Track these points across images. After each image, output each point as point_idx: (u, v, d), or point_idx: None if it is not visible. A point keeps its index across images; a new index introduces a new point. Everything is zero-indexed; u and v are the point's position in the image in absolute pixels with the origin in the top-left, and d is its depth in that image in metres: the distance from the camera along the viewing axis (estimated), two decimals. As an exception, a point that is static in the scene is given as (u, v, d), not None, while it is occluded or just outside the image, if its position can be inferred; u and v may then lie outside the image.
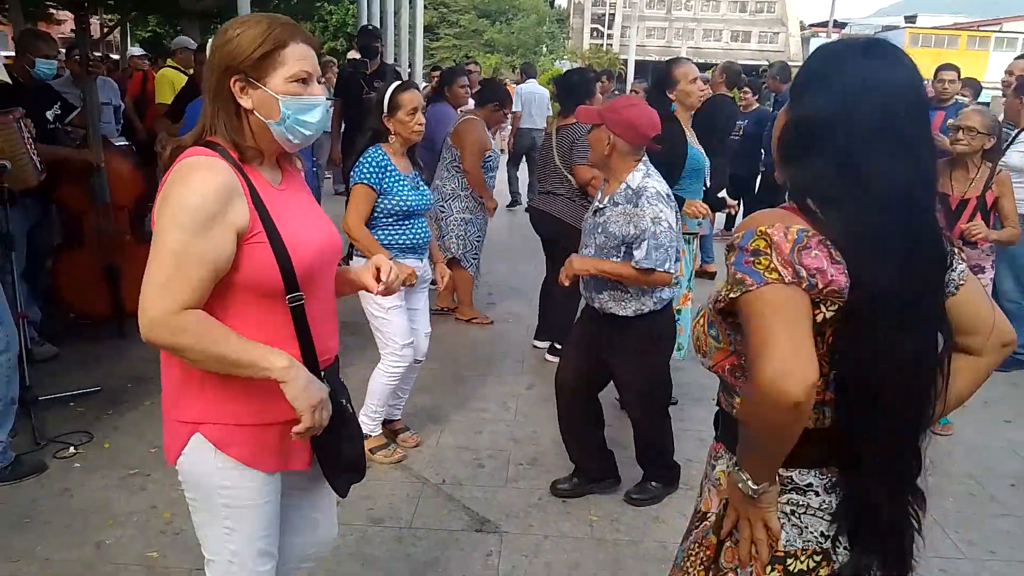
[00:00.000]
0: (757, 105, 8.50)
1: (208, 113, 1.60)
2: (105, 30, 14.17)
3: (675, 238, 2.95)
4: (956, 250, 1.42)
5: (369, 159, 3.35)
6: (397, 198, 3.36)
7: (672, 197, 3.03)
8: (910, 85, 1.33)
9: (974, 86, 6.53)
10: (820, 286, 1.26)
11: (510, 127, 9.94)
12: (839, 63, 1.35)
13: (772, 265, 1.26)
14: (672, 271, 2.96)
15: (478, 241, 5.51)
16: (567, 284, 3.08)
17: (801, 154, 1.36)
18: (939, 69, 6.18)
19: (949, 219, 3.85)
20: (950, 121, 3.99)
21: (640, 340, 3.15)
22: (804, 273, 1.26)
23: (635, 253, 2.93)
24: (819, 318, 1.28)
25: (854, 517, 1.37)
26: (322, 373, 1.69)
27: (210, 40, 1.63)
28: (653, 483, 3.37)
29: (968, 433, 4.06)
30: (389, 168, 3.35)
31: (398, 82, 3.45)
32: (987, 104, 7.11)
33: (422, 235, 3.50)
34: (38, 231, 4.58)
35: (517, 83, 11.34)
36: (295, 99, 1.59)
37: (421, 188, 3.49)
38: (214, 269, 1.52)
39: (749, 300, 1.28)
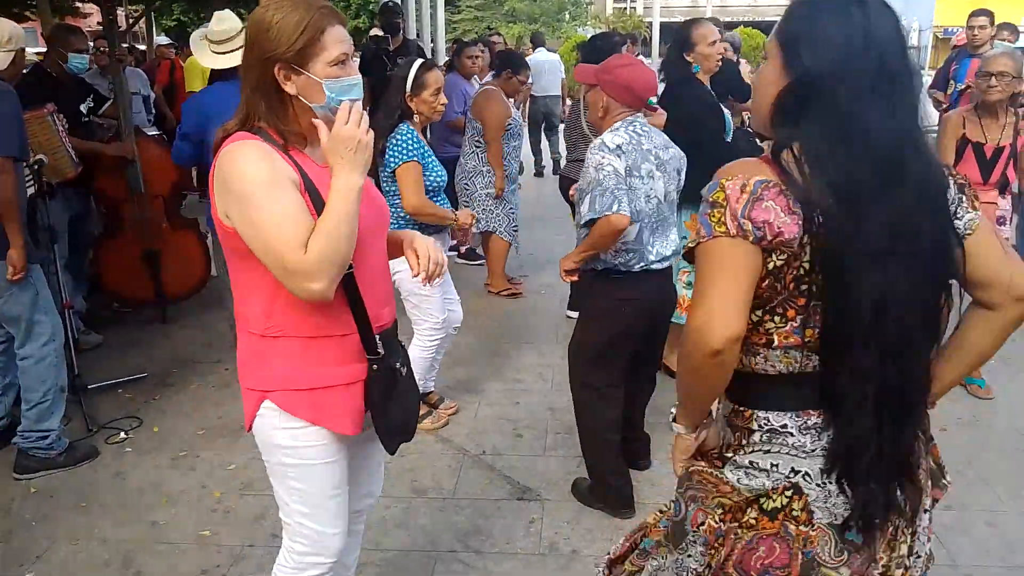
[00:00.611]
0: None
1: (250, 100, 1.65)
2: (131, 20, 14.28)
3: (625, 183, 2.74)
4: (966, 199, 1.40)
5: (408, 136, 3.36)
6: (433, 174, 3.40)
7: (635, 153, 2.79)
8: (899, 32, 1.34)
9: (1013, 30, 6.30)
10: (769, 237, 1.29)
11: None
12: (837, 15, 1.33)
13: (722, 219, 1.31)
14: (625, 212, 2.70)
15: (512, 213, 5.51)
16: (571, 279, 3.05)
17: (800, 115, 1.34)
18: (971, 15, 5.99)
19: (985, 168, 3.74)
20: (980, 67, 3.83)
21: (584, 306, 3.13)
22: (750, 226, 1.29)
23: (581, 210, 2.81)
24: (770, 265, 1.32)
25: (843, 453, 1.38)
26: (377, 338, 1.76)
27: (247, 31, 1.65)
28: (589, 482, 3.16)
29: (1012, 389, 3.99)
30: (422, 145, 3.37)
31: (420, 60, 3.44)
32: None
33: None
34: (80, 222, 4.68)
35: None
36: (336, 82, 1.63)
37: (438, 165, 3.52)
38: (303, 210, 1.59)
39: (700, 251, 1.36)
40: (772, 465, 1.42)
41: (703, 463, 1.52)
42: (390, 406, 1.80)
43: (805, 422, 1.41)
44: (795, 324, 1.35)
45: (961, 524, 2.93)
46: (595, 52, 4.56)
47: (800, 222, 1.29)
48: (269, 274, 1.62)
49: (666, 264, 2.96)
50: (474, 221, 3.54)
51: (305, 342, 1.70)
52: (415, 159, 3.31)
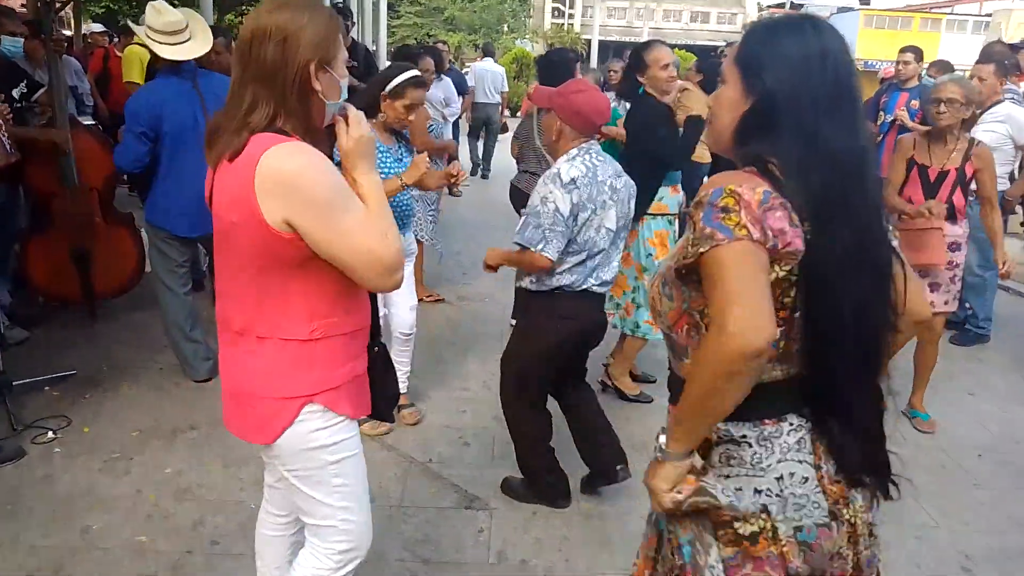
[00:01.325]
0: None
1: (277, 97, 1.62)
2: (58, 5, 13.73)
3: (563, 224, 2.78)
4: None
5: None
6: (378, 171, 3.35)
7: (591, 186, 2.84)
8: (847, 52, 1.42)
9: (945, 67, 6.66)
10: (780, 247, 1.32)
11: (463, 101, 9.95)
12: (794, 36, 1.40)
13: (742, 222, 1.31)
14: (549, 255, 2.79)
15: (431, 216, 5.46)
16: (490, 272, 3.12)
17: (765, 132, 1.39)
18: (900, 51, 6.37)
19: (928, 191, 3.88)
20: (930, 94, 3.96)
21: (520, 322, 3.17)
22: (770, 233, 1.31)
23: (517, 226, 2.89)
24: (772, 276, 1.34)
25: (836, 455, 1.45)
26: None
27: (267, 24, 1.60)
28: (525, 481, 3.23)
29: (935, 406, 4.18)
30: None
31: (415, 74, 3.39)
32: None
33: (404, 209, 3.51)
34: (5, 215, 4.46)
35: (473, 61, 12.19)
36: (344, 80, 1.71)
37: (405, 161, 3.48)
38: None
39: (719, 254, 1.32)
40: (736, 490, 1.45)
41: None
42: (388, 379, 2.03)
43: (762, 432, 1.44)
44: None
45: (893, 538, 3.05)
46: (550, 67, 4.61)
47: (801, 234, 1.34)
48: (317, 279, 1.66)
49: (605, 289, 3.03)
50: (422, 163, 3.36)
51: (345, 339, 1.76)
52: None
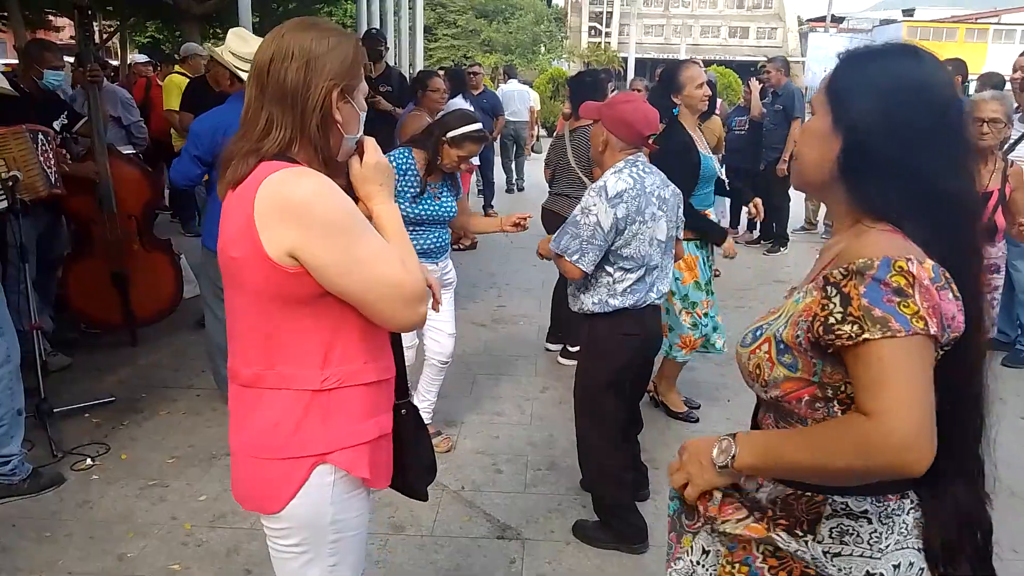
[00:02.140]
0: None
1: (295, 122, 1.50)
2: (104, 36, 14.14)
3: (602, 239, 2.76)
4: None
5: (404, 160, 3.37)
6: (419, 208, 3.40)
7: (639, 199, 2.81)
8: (949, 84, 1.30)
9: (995, 80, 6.47)
10: (950, 335, 1.20)
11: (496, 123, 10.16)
12: (890, 65, 1.29)
13: (920, 312, 1.15)
14: (583, 267, 2.78)
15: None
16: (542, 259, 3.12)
17: (864, 171, 1.28)
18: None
19: None
20: (974, 112, 3.84)
21: (585, 345, 3.10)
22: (944, 322, 1.18)
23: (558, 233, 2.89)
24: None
25: (955, 532, 1.33)
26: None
27: (290, 45, 1.50)
28: (607, 531, 3.07)
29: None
30: (411, 172, 3.35)
31: (477, 127, 3.43)
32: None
33: (434, 241, 3.51)
34: (48, 240, 4.57)
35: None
36: (363, 113, 1.61)
37: (443, 198, 3.49)
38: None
39: (891, 347, 1.15)
40: (840, 570, 1.31)
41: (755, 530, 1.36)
42: (423, 444, 1.75)
43: (885, 508, 1.30)
44: None
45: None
46: (582, 87, 4.63)
47: (962, 307, 1.22)
48: (330, 320, 1.50)
49: (663, 299, 3.02)
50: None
51: (363, 390, 1.56)
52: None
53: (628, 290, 2.87)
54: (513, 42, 31.72)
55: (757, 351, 1.35)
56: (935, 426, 1.15)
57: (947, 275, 1.21)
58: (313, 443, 1.52)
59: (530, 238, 7.77)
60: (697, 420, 4.20)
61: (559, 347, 5.02)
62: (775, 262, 7.97)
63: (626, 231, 2.80)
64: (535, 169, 11.15)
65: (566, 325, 4.95)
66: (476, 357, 5.02)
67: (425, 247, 3.46)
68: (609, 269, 2.87)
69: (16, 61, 6.22)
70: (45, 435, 3.60)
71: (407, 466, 1.69)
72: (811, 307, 1.25)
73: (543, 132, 18.59)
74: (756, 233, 8.71)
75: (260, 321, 1.51)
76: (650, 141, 2.95)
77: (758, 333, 1.37)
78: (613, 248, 2.83)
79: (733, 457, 1.32)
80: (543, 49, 32.41)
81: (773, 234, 8.34)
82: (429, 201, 3.43)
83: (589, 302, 2.94)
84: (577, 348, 4.85)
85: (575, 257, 2.79)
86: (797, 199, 8.76)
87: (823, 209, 9.18)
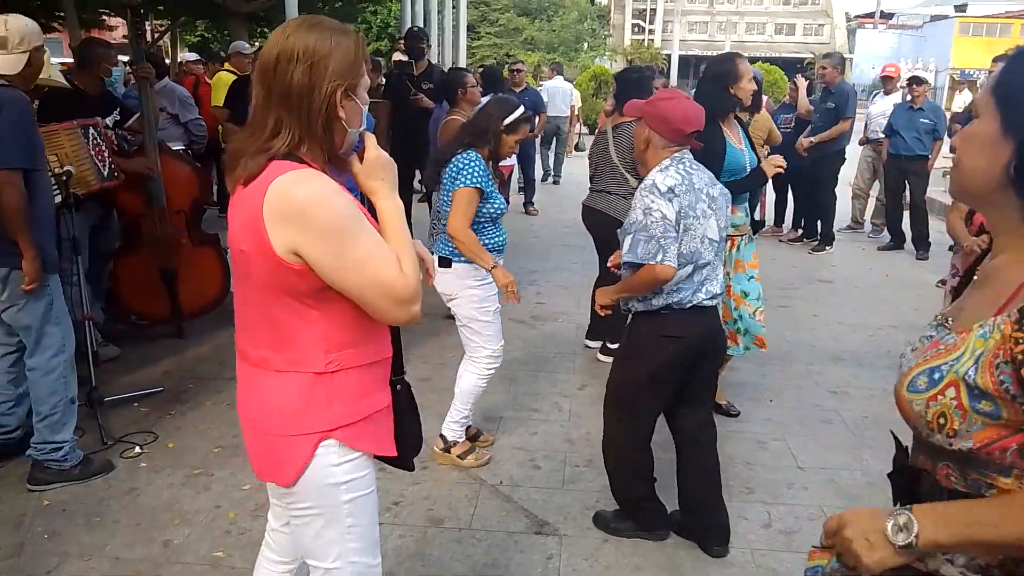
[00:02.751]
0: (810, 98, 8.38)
1: (302, 123, 1.55)
2: (155, 35, 14.46)
3: (674, 230, 2.71)
4: None
5: (477, 163, 3.37)
6: (496, 202, 3.43)
7: (688, 194, 2.75)
8: None
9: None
10: None
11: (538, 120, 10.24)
12: None
13: None
14: (670, 263, 2.69)
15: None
16: (606, 313, 3.04)
17: None
18: (993, 60, 6.05)
19: None
20: None
21: (624, 343, 3.05)
22: None
23: (622, 249, 2.81)
24: None
25: None
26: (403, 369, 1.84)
27: (294, 46, 1.54)
28: (627, 520, 3.09)
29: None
30: (486, 172, 3.42)
31: (524, 110, 3.50)
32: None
33: (504, 237, 3.60)
34: (99, 234, 4.69)
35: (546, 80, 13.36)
36: (365, 106, 1.65)
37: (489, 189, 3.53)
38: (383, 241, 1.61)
39: None
40: None
41: None
42: (412, 420, 1.84)
43: None
44: None
45: None
46: (627, 84, 4.64)
47: None
48: (332, 309, 1.59)
49: (715, 301, 2.91)
50: (510, 285, 3.35)
51: (362, 371, 1.67)
52: (479, 186, 3.32)
53: (675, 288, 2.79)
54: (556, 40, 31.66)
55: (939, 398, 1.19)
56: None
57: None
58: (318, 421, 1.64)
59: (570, 236, 7.79)
60: (738, 413, 4.17)
61: (598, 344, 5.00)
62: (820, 261, 7.85)
63: (679, 227, 2.74)
64: (575, 166, 11.15)
65: (606, 322, 4.94)
66: (515, 354, 5.03)
67: (501, 243, 3.53)
68: None
69: (71, 60, 6.39)
70: (95, 423, 3.71)
71: (397, 438, 1.79)
72: (1009, 347, 1.11)
73: (585, 130, 18.57)
74: (800, 231, 8.58)
75: (268, 310, 1.61)
76: (693, 138, 2.88)
77: (936, 377, 1.20)
78: None
79: (916, 535, 1.15)
80: (586, 47, 32.28)
81: (818, 233, 8.20)
82: (497, 195, 3.46)
83: (634, 300, 2.89)
84: (617, 345, 4.85)
85: (659, 257, 2.69)
86: (844, 197, 8.61)
87: (871, 208, 9.02)
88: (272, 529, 2.03)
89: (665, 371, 2.89)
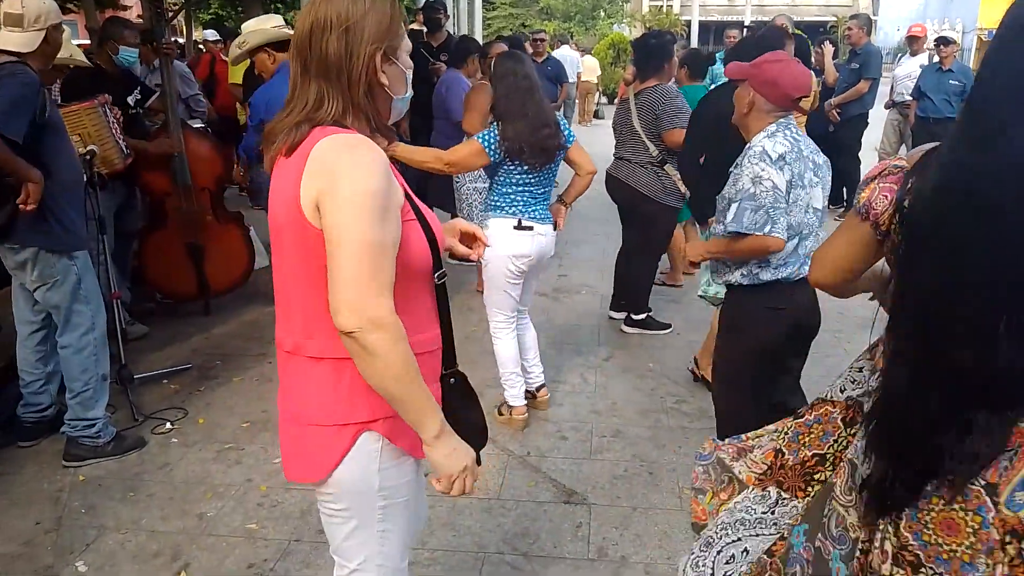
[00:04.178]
0: (834, 61, 8.24)
1: (343, 93, 1.49)
2: (170, 14, 14.43)
3: (784, 200, 2.59)
4: None
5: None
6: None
7: (798, 162, 2.65)
8: None
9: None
10: None
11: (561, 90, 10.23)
12: None
13: None
14: (780, 235, 2.59)
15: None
16: (694, 270, 3.02)
17: None
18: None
19: None
20: None
21: (727, 316, 2.96)
22: None
23: (727, 216, 2.70)
24: None
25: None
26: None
27: (326, 14, 1.47)
28: None
29: None
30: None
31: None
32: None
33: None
34: (124, 213, 4.72)
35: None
36: (409, 71, 1.59)
37: None
38: (395, 253, 1.45)
39: None
40: None
41: None
42: (469, 415, 1.67)
43: None
44: None
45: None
46: (647, 50, 4.59)
47: None
48: None
49: None
50: None
51: None
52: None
53: (782, 262, 2.70)
54: (572, 8, 31.26)
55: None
56: None
57: None
58: (356, 411, 1.54)
59: (592, 208, 7.73)
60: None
61: (622, 315, 4.98)
62: (845, 228, 7.75)
63: (788, 196, 2.64)
64: (596, 136, 11.05)
65: (630, 293, 4.92)
66: (539, 327, 4.99)
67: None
68: None
69: (87, 41, 6.39)
70: (126, 400, 3.76)
71: (456, 431, 1.61)
72: None
73: (603, 100, 18.38)
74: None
75: (305, 291, 1.51)
76: (799, 104, 2.75)
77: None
78: None
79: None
80: (603, 15, 31.83)
81: (843, 199, 8.09)
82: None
83: (738, 274, 2.78)
84: (642, 316, 4.84)
85: (767, 228, 2.58)
86: (868, 162, 8.47)
87: (896, 173, 8.88)
88: None
89: (775, 344, 2.82)
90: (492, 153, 3.36)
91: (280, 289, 1.59)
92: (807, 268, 2.71)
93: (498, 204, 3.50)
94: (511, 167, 3.42)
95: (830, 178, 2.83)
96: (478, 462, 1.65)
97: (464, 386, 1.68)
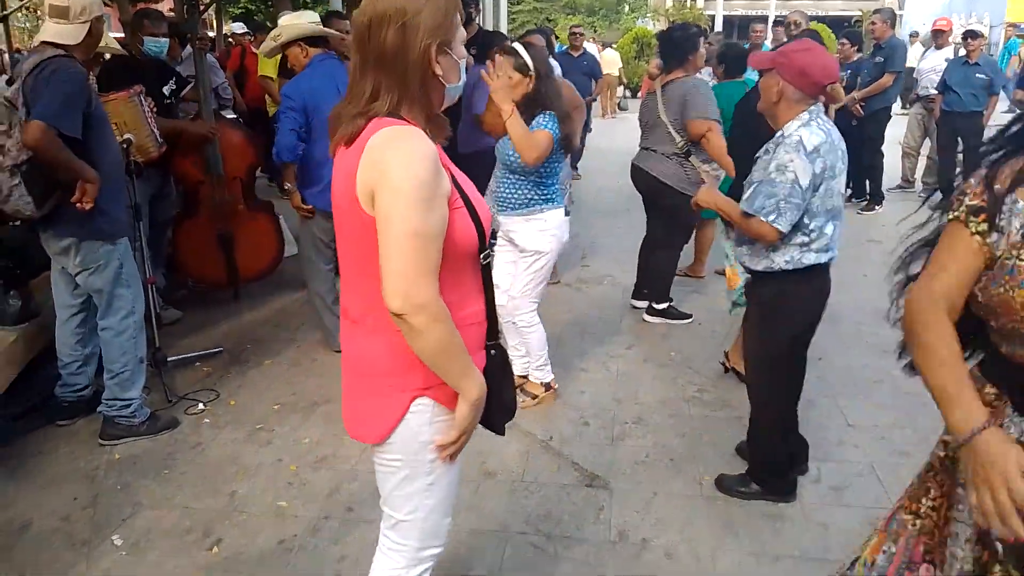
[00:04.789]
0: (858, 56, 8.20)
1: (399, 84, 1.57)
2: (202, 7, 14.57)
3: (800, 196, 2.63)
4: None
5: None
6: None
7: (831, 153, 2.70)
8: None
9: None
10: None
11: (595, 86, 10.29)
12: None
13: None
14: (780, 227, 2.65)
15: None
16: (696, 209, 3.09)
17: None
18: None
19: None
20: None
21: (761, 303, 2.97)
22: None
23: (745, 194, 2.76)
24: None
25: None
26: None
27: (385, 8, 1.54)
28: (753, 484, 3.10)
29: None
30: None
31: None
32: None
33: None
34: (158, 201, 4.82)
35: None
36: (463, 61, 1.65)
37: None
38: (442, 239, 1.56)
39: None
40: None
41: None
42: (505, 385, 1.80)
43: None
44: None
45: None
46: (672, 43, 4.63)
47: None
48: None
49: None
50: None
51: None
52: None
53: (825, 246, 2.77)
54: (597, 3, 31.18)
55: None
56: None
57: None
58: (412, 379, 1.66)
59: (615, 199, 7.76)
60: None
61: (644, 304, 5.02)
62: (869, 221, 7.71)
63: (822, 186, 2.68)
64: (618, 129, 11.05)
65: (653, 283, 4.96)
66: (561, 316, 5.07)
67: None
68: (807, 223, 2.72)
69: (121, 35, 6.50)
70: (160, 382, 3.86)
71: (489, 401, 1.74)
72: None
73: (627, 93, 18.35)
74: (848, 191, 8.43)
75: (364, 267, 1.61)
76: (828, 91, 2.79)
77: None
78: (810, 206, 2.70)
79: None
80: (627, 9, 31.72)
81: (867, 193, 8.06)
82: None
83: (781, 260, 2.79)
84: (664, 305, 4.88)
85: (771, 217, 2.64)
86: (892, 156, 8.43)
87: (921, 166, 8.81)
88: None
89: (812, 325, 2.92)
90: (556, 145, 3.48)
91: (344, 266, 1.72)
92: (836, 252, 2.81)
93: (549, 196, 3.63)
94: (557, 158, 3.57)
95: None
96: (502, 433, 1.83)
97: (503, 356, 1.81)
